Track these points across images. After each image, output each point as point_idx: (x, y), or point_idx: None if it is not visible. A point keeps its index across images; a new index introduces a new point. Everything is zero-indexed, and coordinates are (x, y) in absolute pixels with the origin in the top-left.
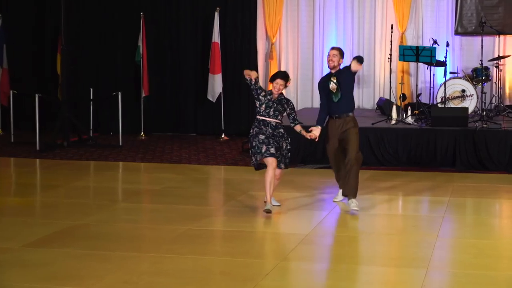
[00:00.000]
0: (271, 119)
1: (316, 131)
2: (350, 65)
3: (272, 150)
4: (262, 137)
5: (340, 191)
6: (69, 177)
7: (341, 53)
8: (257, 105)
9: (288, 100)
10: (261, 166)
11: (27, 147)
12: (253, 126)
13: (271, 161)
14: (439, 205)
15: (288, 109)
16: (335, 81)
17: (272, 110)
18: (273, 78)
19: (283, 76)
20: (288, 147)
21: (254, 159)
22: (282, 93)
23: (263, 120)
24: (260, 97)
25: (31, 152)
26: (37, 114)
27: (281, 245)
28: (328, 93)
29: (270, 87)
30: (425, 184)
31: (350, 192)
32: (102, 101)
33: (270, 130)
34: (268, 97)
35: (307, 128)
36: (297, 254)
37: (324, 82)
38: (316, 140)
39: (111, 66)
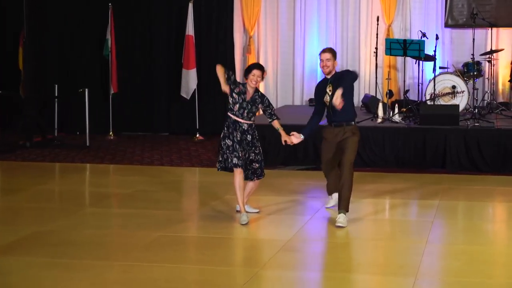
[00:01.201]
0: (244, 121)
1: (295, 139)
2: (349, 71)
3: (235, 160)
4: (229, 142)
5: (331, 198)
6: (33, 180)
7: (334, 55)
8: (230, 102)
9: (262, 97)
10: (226, 169)
11: None
12: (225, 125)
13: (235, 171)
14: (428, 209)
15: (263, 106)
16: (330, 92)
17: (246, 111)
18: (249, 70)
19: (259, 66)
20: (257, 158)
21: (217, 165)
22: (257, 89)
23: (235, 121)
24: (234, 94)
25: None
26: None
27: (259, 252)
28: (323, 102)
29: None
30: (414, 187)
31: (340, 204)
32: (68, 98)
33: (239, 134)
34: (243, 96)
35: (288, 131)
36: (277, 262)
37: (319, 89)
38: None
39: (77, 61)
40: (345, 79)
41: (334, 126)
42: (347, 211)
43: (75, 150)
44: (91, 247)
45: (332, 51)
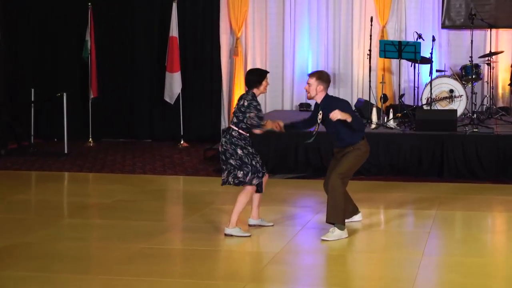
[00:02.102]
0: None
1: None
2: (346, 102)
3: (255, 181)
4: (254, 162)
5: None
6: (8, 189)
7: (319, 78)
8: (256, 117)
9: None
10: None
11: None
12: (238, 144)
13: (248, 188)
14: (424, 219)
15: None
16: (320, 120)
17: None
18: (263, 76)
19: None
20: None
21: (255, 179)
22: None
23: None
24: (259, 108)
25: None
26: None
27: (248, 265)
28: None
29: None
30: (409, 196)
31: (327, 215)
32: (45, 103)
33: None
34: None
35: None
36: (266, 276)
37: (314, 109)
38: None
39: (55, 64)
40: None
41: (337, 149)
42: (338, 223)
43: (53, 158)
44: (70, 260)
45: (316, 75)
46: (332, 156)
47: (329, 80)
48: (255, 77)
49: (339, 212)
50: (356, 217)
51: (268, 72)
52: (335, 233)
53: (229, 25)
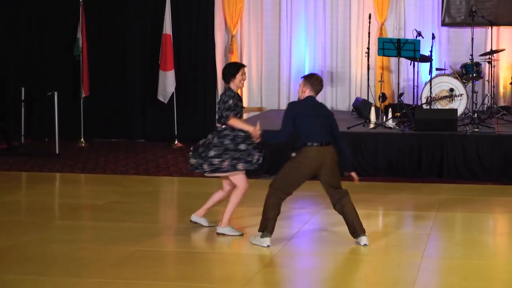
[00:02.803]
0: None
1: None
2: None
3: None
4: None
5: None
6: None
7: (305, 79)
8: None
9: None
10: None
11: None
12: (221, 141)
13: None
14: (424, 221)
15: None
16: None
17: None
18: (237, 68)
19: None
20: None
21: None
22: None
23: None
24: (238, 103)
25: None
26: None
27: (243, 268)
28: None
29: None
30: (408, 197)
31: None
32: (35, 102)
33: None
34: (240, 103)
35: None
36: (262, 279)
37: None
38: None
39: (46, 62)
40: None
41: None
42: (260, 231)
43: (44, 158)
44: (62, 263)
45: (304, 77)
46: None
47: (316, 84)
48: (229, 70)
49: (263, 221)
50: (359, 240)
51: (245, 66)
52: (256, 239)
53: (224, 22)
